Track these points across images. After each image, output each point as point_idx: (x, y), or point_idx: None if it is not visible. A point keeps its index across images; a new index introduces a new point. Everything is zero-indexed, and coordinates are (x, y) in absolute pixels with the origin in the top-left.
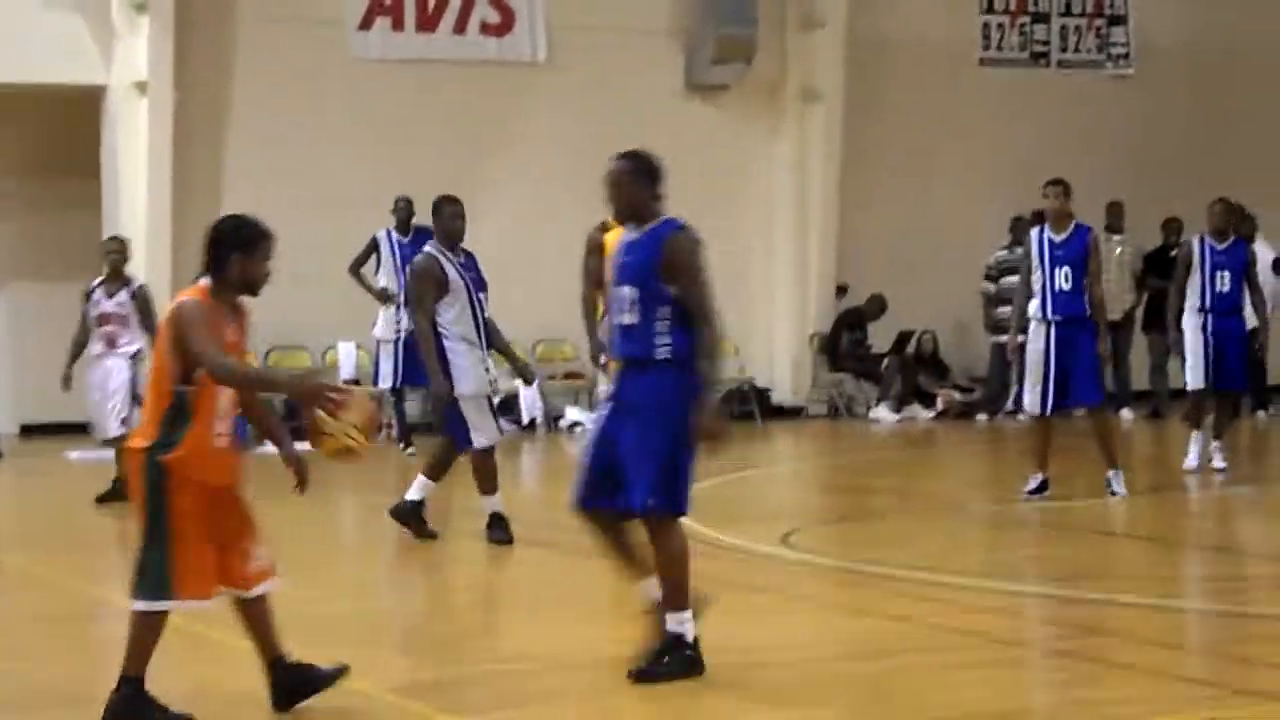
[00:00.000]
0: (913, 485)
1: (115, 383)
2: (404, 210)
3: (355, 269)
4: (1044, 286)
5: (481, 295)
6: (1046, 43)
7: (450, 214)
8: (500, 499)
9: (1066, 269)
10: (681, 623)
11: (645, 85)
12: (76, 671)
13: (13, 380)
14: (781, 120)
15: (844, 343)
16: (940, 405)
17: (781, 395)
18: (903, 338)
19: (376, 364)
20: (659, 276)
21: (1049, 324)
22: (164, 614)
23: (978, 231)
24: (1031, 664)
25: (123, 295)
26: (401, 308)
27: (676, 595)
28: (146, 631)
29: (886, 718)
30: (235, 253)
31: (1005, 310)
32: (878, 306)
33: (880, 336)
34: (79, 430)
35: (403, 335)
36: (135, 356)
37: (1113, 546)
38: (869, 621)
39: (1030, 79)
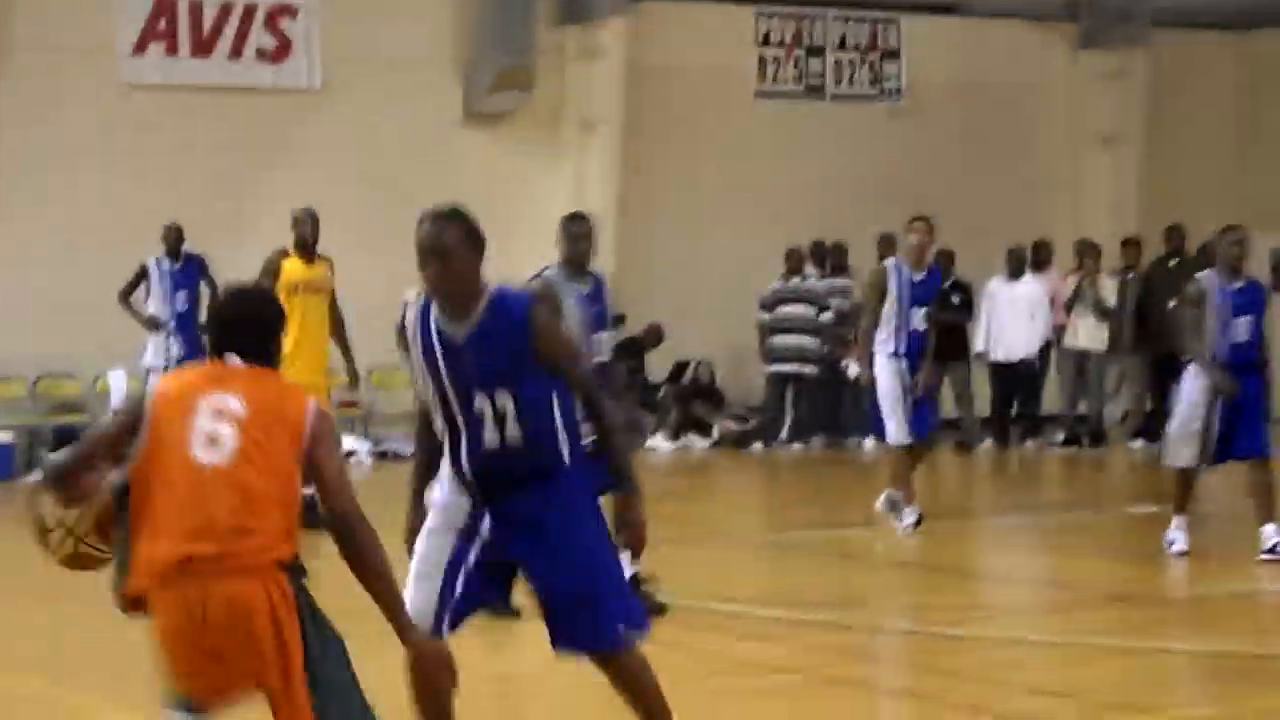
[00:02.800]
0: (690, 513)
1: None
2: (174, 237)
3: (124, 296)
4: (899, 324)
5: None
6: (822, 75)
7: (574, 233)
8: None
9: (924, 309)
10: None
11: (423, 113)
12: None
13: None
14: (561, 149)
15: (620, 372)
16: (716, 434)
17: None
18: (679, 367)
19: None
20: (535, 367)
21: (900, 359)
22: None
23: (754, 262)
24: (803, 692)
25: None
26: (171, 335)
27: None
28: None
29: None
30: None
31: (780, 339)
32: (655, 336)
33: (657, 366)
34: None
35: (172, 363)
36: None
37: (888, 574)
38: (650, 649)
39: (807, 111)
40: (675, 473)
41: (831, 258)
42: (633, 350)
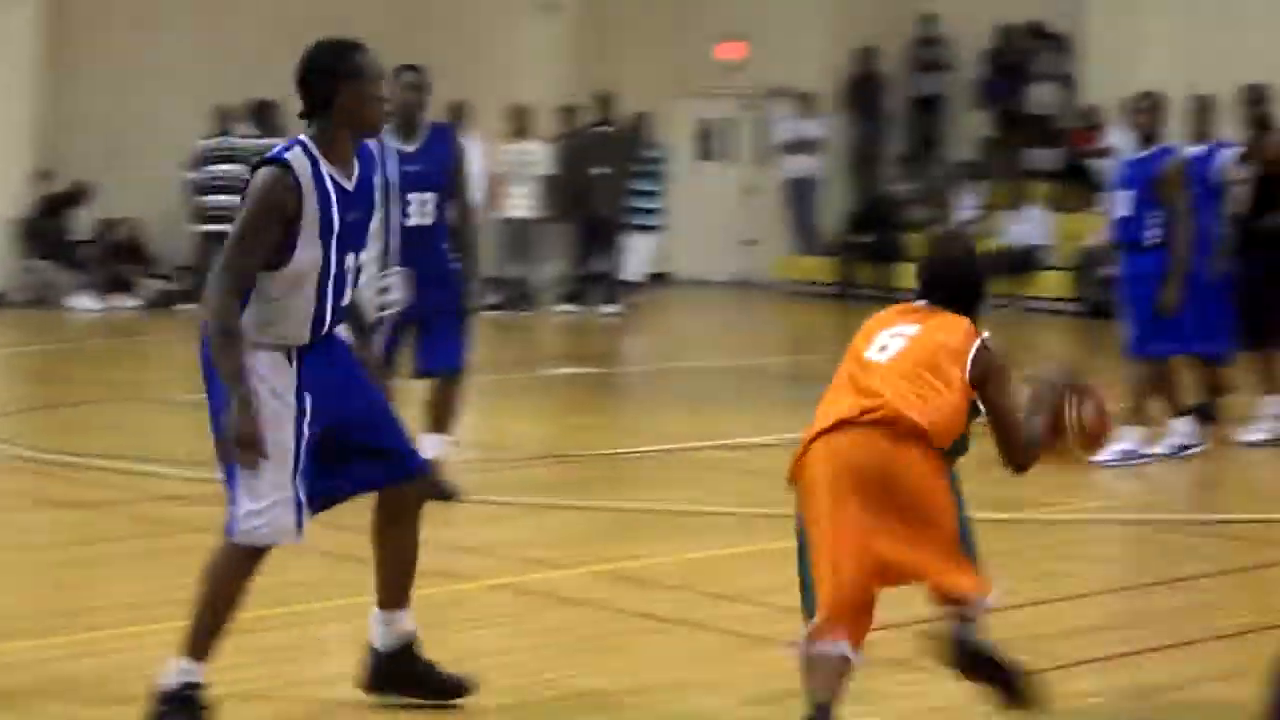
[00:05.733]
0: (116, 374)
1: None
2: None
3: None
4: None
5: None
6: None
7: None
8: None
9: None
10: None
11: None
12: None
13: None
14: None
15: (45, 229)
16: (142, 295)
17: None
18: (106, 225)
19: None
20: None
21: None
22: None
23: (184, 120)
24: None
25: None
26: None
27: None
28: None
29: (77, 602)
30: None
31: (209, 199)
32: (80, 193)
33: (84, 224)
34: None
35: None
36: None
37: None
38: (71, 512)
39: None
40: (101, 333)
41: (266, 116)
42: (58, 206)
